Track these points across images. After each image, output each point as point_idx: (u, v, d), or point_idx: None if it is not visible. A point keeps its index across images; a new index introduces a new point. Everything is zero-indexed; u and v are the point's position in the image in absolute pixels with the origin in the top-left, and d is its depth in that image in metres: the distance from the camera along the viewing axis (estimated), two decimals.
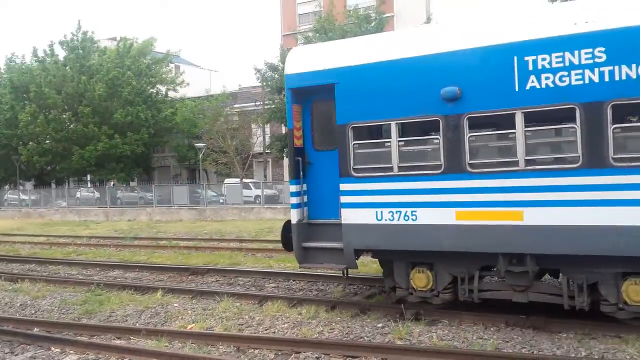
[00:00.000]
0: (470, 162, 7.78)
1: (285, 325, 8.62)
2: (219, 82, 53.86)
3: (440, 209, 8.02)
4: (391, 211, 8.38)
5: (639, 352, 6.73)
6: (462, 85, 7.77)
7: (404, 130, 8.46)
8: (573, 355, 6.83)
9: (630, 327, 7.42)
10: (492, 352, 6.94)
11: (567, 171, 7.31)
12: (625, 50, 6.89)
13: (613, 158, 6.98)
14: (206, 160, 40.34)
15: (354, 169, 8.73)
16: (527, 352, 7.00)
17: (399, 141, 8.33)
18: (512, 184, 7.58)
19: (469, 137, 7.77)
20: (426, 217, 8.11)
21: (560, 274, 7.99)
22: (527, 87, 7.42)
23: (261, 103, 39.60)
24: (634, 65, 6.82)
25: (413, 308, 8.65)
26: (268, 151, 41.13)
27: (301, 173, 9.24)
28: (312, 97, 9.23)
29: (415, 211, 8.20)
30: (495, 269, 8.12)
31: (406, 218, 8.29)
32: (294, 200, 9.27)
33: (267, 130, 42.11)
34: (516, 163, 7.55)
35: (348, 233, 8.75)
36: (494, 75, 7.63)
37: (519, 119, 7.48)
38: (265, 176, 42.50)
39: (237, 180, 39.02)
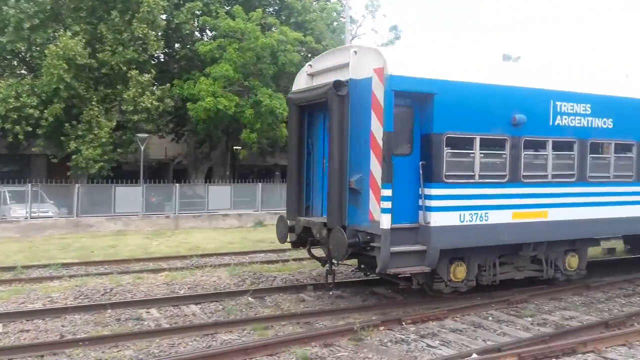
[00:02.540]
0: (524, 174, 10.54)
1: None
2: None
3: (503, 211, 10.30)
4: (471, 214, 9.96)
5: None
6: (526, 114, 10.30)
7: (483, 144, 10.11)
8: None
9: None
10: None
11: (568, 184, 11.09)
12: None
13: (590, 176, 11.37)
14: None
15: (445, 175, 9.64)
16: None
17: (480, 153, 10.05)
18: (540, 191, 10.77)
19: (524, 155, 10.54)
20: (495, 217, 10.17)
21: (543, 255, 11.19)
22: (558, 122, 10.91)
23: None
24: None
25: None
26: None
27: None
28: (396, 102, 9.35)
29: (487, 213, 10.12)
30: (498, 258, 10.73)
31: (481, 219, 10.04)
32: (387, 205, 9.15)
33: None
34: (545, 176, 10.84)
35: (435, 235, 9.50)
36: (542, 110, 10.74)
37: (549, 145, 10.87)
38: None
39: None
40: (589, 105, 11.22)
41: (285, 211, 11.43)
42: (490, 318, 9.72)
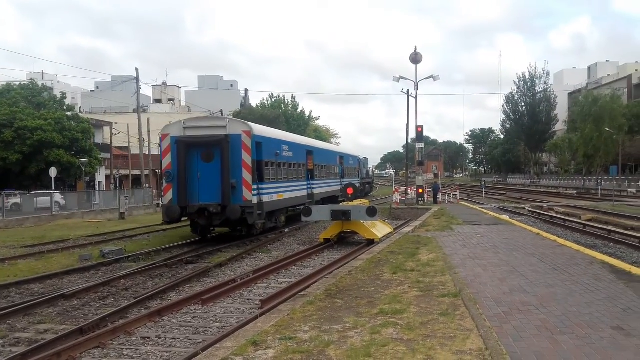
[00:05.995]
0: (279, 177, 23.68)
1: None
2: None
3: (277, 193, 23.09)
4: (272, 195, 22.22)
5: None
6: (279, 150, 23.81)
7: (271, 164, 22.71)
8: None
9: None
10: None
11: (285, 181, 24.75)
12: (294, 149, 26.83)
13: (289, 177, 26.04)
14: None
15: (265, 178, 21.25)
16: None
17: (271, 168, 22.56)
18: (282, 185, 23.89)
19: (277, 168, 23.49)
20: (275, 197, 22.76)
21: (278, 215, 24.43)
22: (283, 154, 24.59)
23: None
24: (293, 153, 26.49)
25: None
26: None
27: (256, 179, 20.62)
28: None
29: (274, 195, 22.59)
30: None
31: (273, 197, 22.32)
32: (255, 192, 20.31)
33: None
34: (282, 178, 24.20)
35: (266, 205, 21.18)
36: (281, 149, 24.29)
37: (282, 164, 24.43)
38: None
39: None
40: (288, 146, 25.07)
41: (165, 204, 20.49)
42: None
